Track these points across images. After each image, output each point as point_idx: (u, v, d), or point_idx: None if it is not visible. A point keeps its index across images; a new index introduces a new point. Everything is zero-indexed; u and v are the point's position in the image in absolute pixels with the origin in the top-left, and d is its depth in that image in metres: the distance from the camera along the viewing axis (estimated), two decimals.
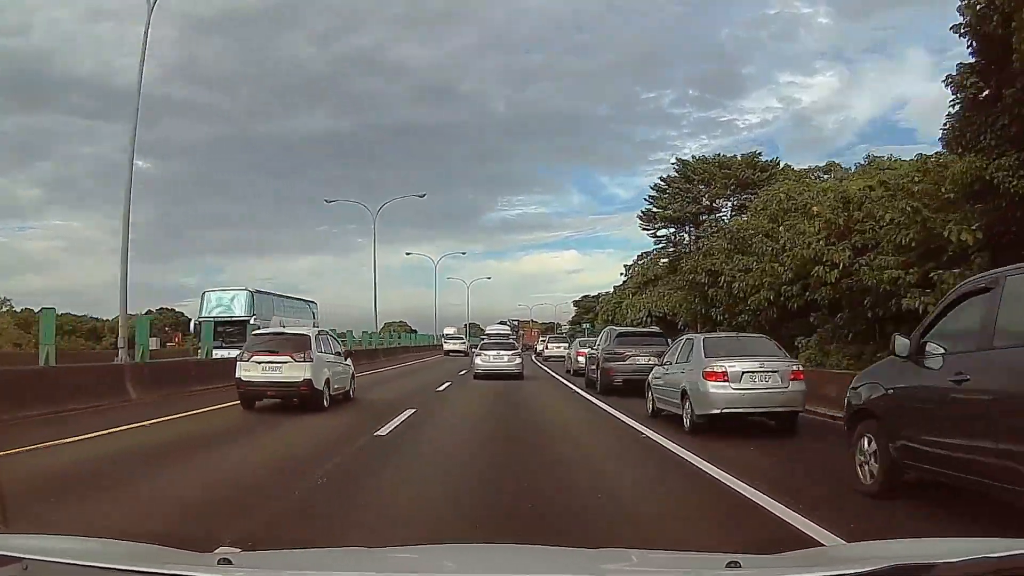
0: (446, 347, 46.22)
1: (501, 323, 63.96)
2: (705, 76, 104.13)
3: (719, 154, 41.14)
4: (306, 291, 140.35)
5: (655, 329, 19.43)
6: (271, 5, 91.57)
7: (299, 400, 11.14)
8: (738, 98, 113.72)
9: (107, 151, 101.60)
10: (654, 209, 43.40)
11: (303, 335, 12.20)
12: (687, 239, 41.22)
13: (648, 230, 44.25)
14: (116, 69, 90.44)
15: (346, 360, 13.58)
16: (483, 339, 30.53)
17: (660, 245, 43.55)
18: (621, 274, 55.49)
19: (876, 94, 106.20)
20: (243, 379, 11.35)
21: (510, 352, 21.83)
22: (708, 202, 40.47)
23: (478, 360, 21.75)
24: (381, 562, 2.06)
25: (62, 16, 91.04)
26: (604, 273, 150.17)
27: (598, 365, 15.55)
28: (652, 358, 13.75)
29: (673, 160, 41.82)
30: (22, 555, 1.61)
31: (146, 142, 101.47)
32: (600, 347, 16.01)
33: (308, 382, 11.16)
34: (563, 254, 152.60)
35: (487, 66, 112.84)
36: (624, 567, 1.97)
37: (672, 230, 43.25)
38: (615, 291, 53.97)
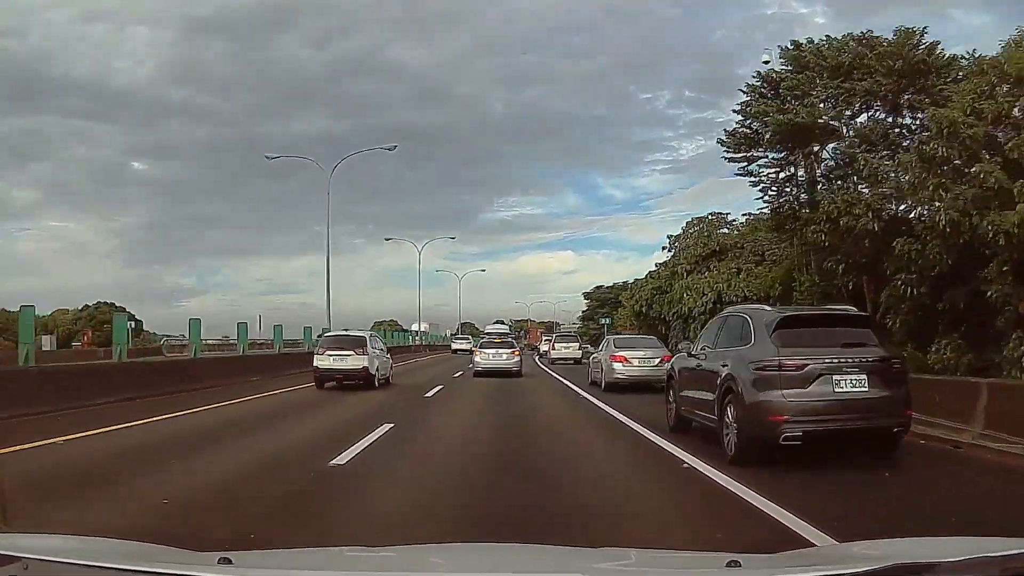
0: (454, 346, 67.33)
1: (498, 322, 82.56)
2: (701, 77, 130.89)
3: (851, 32, 29.16)
4: (303, 291, 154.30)
5: (850, 309, 11.87)
6: (268, 7, 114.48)
7: (360, 381, 21.80)
8: (734, 99, 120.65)
9: (103, 153, 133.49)
10: (750, 127, 29.95)
11: (361, 336, 23.31)
12: (800, 174, 29.95)
13: (738, 160, 31.11)
14: (112, 71, 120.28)
15: (387, 354, 25.70)
16: (482, 338, 43.16)
17: (760, 184, 31.01)
18: (664, 248, 52.48)
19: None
20: (318, 367, 22.06)
21: (508, 350, 29.57)
22: (831, 112, 27.65)
23: (477, 358, 29.60)
24: (381, 562, 2.74)
25: (58, 18, 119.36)
26: (600, 274, 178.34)
27: (724, 394, 9.67)
28: (869, 378, 8.94)
29: (763, 69, 30.27)
30: (22, 555, 2.12)
31: (144, 144, 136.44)
32: (724, 352, 10.37)
33: (365, 369, 21.80)
34: (559, 255, 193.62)
35: (483, 68, 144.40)
36: (624, 566, 2.53)
37: (782, 154, 29.95)
38: (654, 273, 49.73)
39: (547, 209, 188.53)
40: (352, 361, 21.71)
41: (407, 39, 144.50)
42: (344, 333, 24.56)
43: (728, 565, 2.21)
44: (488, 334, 50.74)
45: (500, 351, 29.13)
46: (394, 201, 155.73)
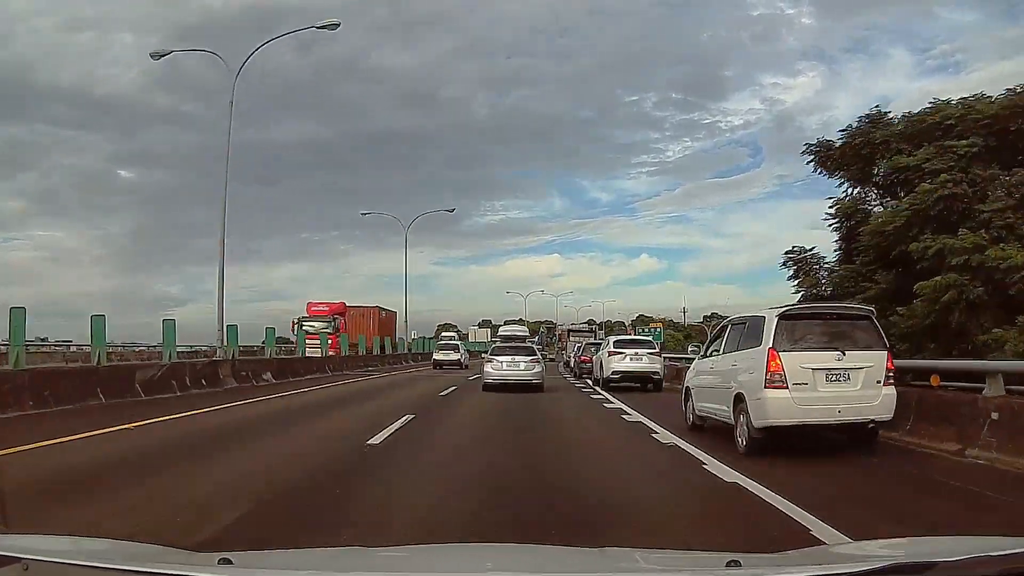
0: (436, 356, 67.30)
1: (482, 322, 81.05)
2: (687, 78, 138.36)
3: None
4: (288, 298, 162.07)
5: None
6: (252, 12, 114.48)
7: (456, 367, 42.09)
8: (720, 100, 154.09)
9: (89, 162, 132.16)
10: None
11: (457, 344, 50.00)
12: None
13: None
14: (98, 79, 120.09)
15: (467, 352, 49.63)
16: (495, 342, 34.47)
17: None
18: None
19: (859, 93, 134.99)
20: (436, 359, 44.95)
21: (527, 358, 24.26)
22: None
23: (489, 367, 24.30)
24: (381, 562, 2.75)
25: (43, 25, 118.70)
26: (586, 277, 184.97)
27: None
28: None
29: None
30: (22, 555, 2.14)
31: (130, 151, 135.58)
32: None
33: (459, 360, 44.42)
34: (546, 259, 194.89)
35: (468, 71, 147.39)
36: (625, 566, 2.51)
37: None
38: None
39: (534, 212, 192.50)
40: (452, 356, 43.89)
41: (392, 43, 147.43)
42: (448, 342, 51.36)
43: (728, 565, 2.23)
44: (503, 336, 41.26)
45: (517, 359, 23.79)
46: (381, 206, 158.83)
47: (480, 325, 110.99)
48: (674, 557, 3.18)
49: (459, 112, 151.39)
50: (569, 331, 61.63)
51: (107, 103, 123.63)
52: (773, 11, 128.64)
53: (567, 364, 45.83)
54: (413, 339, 68.71)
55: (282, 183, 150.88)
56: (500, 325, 72.96)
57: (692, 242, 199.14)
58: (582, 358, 34.13)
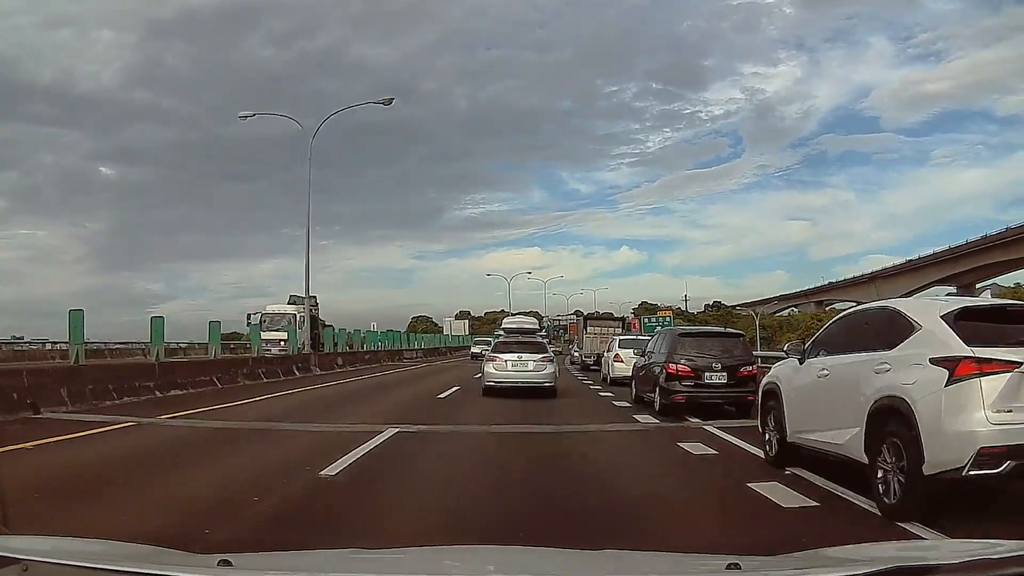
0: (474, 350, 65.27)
1: (460, 313, 77.61)
2: (667, 68, 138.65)
3: None
4: (272, 294, 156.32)
5: None
6: (230, 7, 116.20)
7: None
8: (701, 90, 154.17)
9: (70, 159, 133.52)
10: None
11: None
12: None
13: None
14: (78, 76, 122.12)
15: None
16: (498, 336, 26.52)
17: None
18: None
19: (839, 83, 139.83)
20: (472, 352, 58.26)
21: (537, 356, 20.28)
22: None
23: (490, 367, 20.55)
24: (381, 564, 2.77)
25: (23, 23, 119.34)
26: (568, 269, 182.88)
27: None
28: None
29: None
30: (21, 556, 2.14)
31: (109, 148, 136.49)
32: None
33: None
34: (527, 251, 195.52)
35: (447, 64, 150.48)
36: (626, 568, 2.50)
37: None
38: None
39: (514, 206, 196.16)
40: (487, 349, 46.61)
41: (370, 36, 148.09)
42: (483, 338, 61.35)
43: (728, 567, 2.23)
44: (508, 331, 32.60)
45: (524, 358, 20.04)
46: (359, 201, 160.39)
47: (457, 316, 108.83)
48: (674, 559, 3.18)
49: (438, 105, 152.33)
50: (586, 320, 46.34)
51: (87, 100, 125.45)
52: (753, 0, 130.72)
53: (584, 366, 37.45)
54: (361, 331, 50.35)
55: (262, 178, 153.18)
56: (480, 318, 68.38)
57: (672, 234, 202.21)
58: (672, 368, 15.00)
